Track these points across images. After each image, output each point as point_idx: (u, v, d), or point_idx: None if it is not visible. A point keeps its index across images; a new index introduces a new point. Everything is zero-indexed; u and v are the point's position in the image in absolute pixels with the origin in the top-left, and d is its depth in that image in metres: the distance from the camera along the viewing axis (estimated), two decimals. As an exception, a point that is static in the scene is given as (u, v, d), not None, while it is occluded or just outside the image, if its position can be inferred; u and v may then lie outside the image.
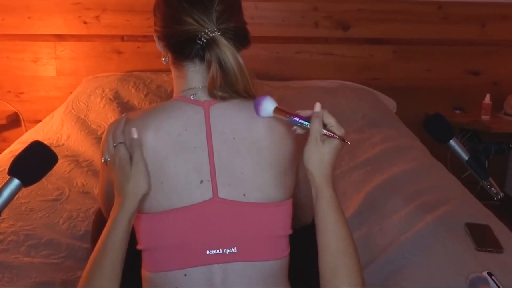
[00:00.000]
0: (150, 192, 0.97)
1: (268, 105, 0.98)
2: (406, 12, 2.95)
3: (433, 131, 1.29)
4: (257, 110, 0.99)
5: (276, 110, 0.98)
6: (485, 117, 2.89)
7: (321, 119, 0.94)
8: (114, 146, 0.99)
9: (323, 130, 0.94)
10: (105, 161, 1.01)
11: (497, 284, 1.29)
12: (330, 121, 0.95)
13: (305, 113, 0.97)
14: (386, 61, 3.01)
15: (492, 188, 1.27)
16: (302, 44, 2.97)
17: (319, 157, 0.94)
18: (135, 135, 0.98)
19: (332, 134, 0.94)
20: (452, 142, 1.28)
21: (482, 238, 1.50)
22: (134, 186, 0.95)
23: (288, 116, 0.96)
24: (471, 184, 1.99)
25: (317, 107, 0.96)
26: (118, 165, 0.97)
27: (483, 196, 1.62)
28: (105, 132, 1.03)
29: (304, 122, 0.95)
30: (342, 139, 0.94)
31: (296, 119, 0.95)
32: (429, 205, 1.70)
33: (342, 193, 1.85)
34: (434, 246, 1.48)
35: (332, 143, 0.94)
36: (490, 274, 1.32)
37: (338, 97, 2.66)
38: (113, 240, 0.93)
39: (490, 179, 1.28)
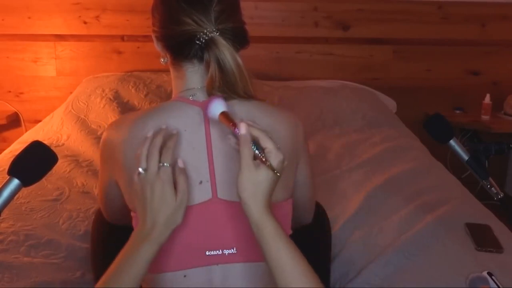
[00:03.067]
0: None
1: (216, 108, 0.92)
2: (406, 12, 2.95)
3: (433, 131, 1.29)
4: (206, 110, 0.95)
5: (222, 115, 0.92)
6: (485, 117, 2.89)
7: (250, 143, 0.85)
8: (160, 166, 0.91)
9: (258, 152, 0.85)
10: (140, 173, 0.91)
11: (497, 284, 1.29)
12: (267, 145, 0.86)
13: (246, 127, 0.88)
14: (386, 61, 3.01)
15: (492, 188, 1.27)
16: (302, 44, 2.97)
17: (253, 187, 0.84)
18: (181, 165, 0.94)
19: (263, 160, 0.84)
20: (452, 142, 1.28)
21: (482, 238, 1.50)
22: (171, 217, 0.90)
23: (231, 126, 0.89)
24: (471, 184, 1.99)
25: (242, 128, 0.86)
26: (160, 191, 0.90)
27: (483, 196, 1.62)
28: (148, 139, 0.94)
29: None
30: (271, 169, 0.84)
31: (237, 131, 0.87)
32: (429, 205, 1.70)
33: (342, 193, 1.85)
34: (434, 246, 1.48)
35: (268, 170, 0.85)
36: (490, 274, 1.32)
37: (338, 97, 2.67)
38: (133, 274, 0.87)
39: (490, 179, 1.28)
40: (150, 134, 0.95)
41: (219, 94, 0.96)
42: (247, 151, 0.85)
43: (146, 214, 0.91)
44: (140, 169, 0.92)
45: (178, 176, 0.93)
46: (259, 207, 0.85)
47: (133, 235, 0.92)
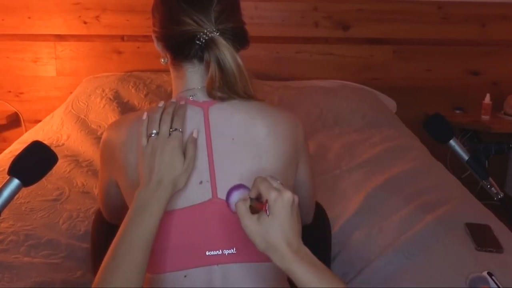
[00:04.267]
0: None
1: (236, 198, 0.87)
2: (406, 12, 2.95)
3: (433, 131, 1.29)
4: (227, 200, 0.89)
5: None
6: (485, 117, 2.89)
7: (246, 199, 0.84)
8: (172, 130, 0.95)
9: (253, 201, 0.82)
10: (151, 136, 0.95)
11: (497, 284, 1.29)
12: (261, 188, 0.82)
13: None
14: (386, 61, 3.01)
15: (492, 188, 1.27)
16: (302, 44, 2.97)
17: (262, 240, 0.81)
18: (195, 135, 0.98)
19: (258, 205, 0.81)
20: (452, 142, 1.28)
21: (482, 238, 1.50)
22: (176, 180, 0.93)
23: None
24: (471, 184, 1.99)
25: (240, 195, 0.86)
26: (169, 154, 0.93)
27: (483, 196, 1.62)
28: (164, 107, 0.99)
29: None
30: (265, 210, 0.80)
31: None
32: (429, 205, 1.70)
33: (342, 193, 1.85)
34: (434, 246, 1.48)
35: (271, 214, 0.80)
36: (490, 274, 1.32)
37: (338, 97, 2.67)
38: (144, 234, 0.89)
39: (490, 179, 1.27)
40: (161, 104, 1.00)
41: (238, 183, 0.90)
42: (240, 209, 0.82)
43: (153, 174, 0.93)
44: (154, 131, 0.96)
45: (188, 144, 0.96)
46: (278, 256, 0.80)
47: (136, 198, 0.92)
